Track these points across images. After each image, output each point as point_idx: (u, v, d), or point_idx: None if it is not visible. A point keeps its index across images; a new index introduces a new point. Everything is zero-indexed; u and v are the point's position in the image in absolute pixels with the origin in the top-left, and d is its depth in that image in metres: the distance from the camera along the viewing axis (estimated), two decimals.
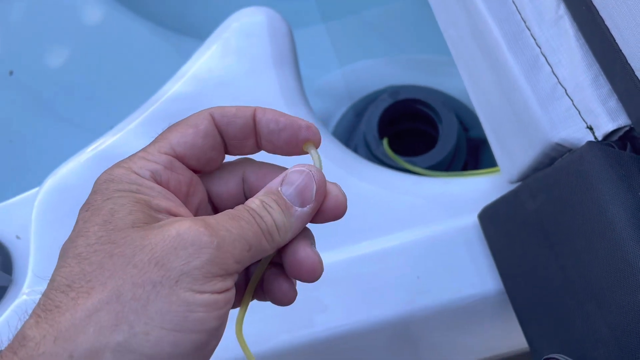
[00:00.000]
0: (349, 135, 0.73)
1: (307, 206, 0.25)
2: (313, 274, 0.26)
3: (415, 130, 0.71)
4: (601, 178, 0.31)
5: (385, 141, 0.60)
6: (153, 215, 0.23)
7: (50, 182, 0.46)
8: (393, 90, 0.66)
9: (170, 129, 0.26)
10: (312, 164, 0.26)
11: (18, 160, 0.85)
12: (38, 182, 0.51)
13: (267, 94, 0.49)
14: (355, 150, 0.69)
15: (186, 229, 0.21)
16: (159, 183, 0.24)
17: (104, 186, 0.23)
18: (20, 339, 0.20)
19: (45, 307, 0.21)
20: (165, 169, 0.25)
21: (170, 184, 0.25)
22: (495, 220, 0.40)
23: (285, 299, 0.27)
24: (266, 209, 0.24)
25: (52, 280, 0.22)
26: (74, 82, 0.91)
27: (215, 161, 0.27)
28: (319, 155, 0.26)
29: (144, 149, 0.25)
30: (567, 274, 0.34)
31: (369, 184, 0.45)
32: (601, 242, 0.32)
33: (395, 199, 0.44)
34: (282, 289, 0.27)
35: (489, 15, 0.40)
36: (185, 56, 0.96)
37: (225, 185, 0.28)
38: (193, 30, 0.95)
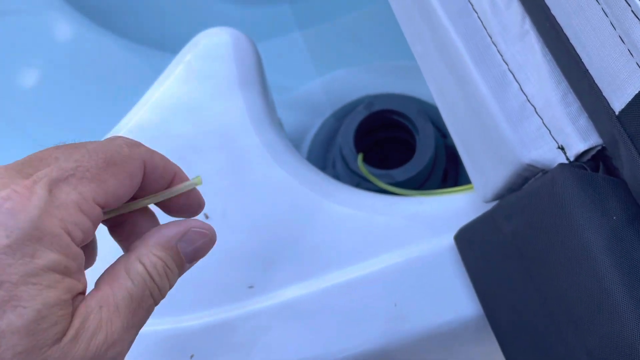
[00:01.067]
0: (327, 147, 0.72)
1: (194, 262, 0.25)
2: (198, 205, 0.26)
3: (394, 138, 0.70)
4: (574, 202, 0.30)
5: (359, 158, 0.59)
6: (69, 309, 0.19)
7: None
8: (368, 101, 0.65)
9: (109, 169, 0.22)
10: (210, 225, 0.25)
11: None
12: None
13: (234, 117, 0.47)
14: (333, 164, 0.68)
15: (101, 353, 0.20)
16: (83, 244, 0.21)
17: (29, 249, 0.17)
18: None
19: None
20: (93, 228, 0.21)
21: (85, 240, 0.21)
22: (472, 243, 0.39)
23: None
24: (167, 275, 0.23)
25: None
26: (47, 103, 0.90)
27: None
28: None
29: (78, 189, 0.20)
30: (545, 299, 0.33)
31: (341, 207, 0.44)
32: (578, 268, 0.30)
33: (369, 222, 0.43)
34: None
35: (453, 29, 0.38)
36: (161, 72, 0.94)
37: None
38: (169, 44, 0.93)
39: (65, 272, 0.19)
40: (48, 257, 0.18)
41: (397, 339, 0.39)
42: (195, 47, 0.50)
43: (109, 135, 0.49)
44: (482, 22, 0.37)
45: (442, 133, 0.69)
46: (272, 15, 0.97)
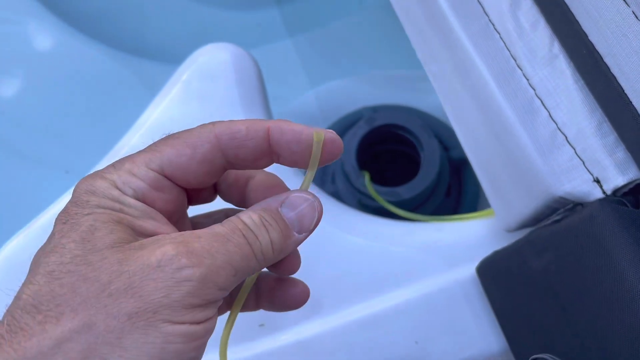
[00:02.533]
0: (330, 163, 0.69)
1: (303, 234, 0.24)
2: (294, 267, 0.26)
3: (394, 151, 0.68)
4: (616, 242, 0.28)
5: (367, 178, 0.57)
6: (135, 237, 0.21)
7: (0, 259, 0.41)
8: (369, 115, 0.63)
9: (166, 141, 0.24)
10: (315, 195, 0.24)
11: None
12: None
13: None
14: (333, 179, 0.66)
15: (168, 260, 0.20)
16: (143, 201, 0.23)
17: (85, 198, 0.22)
18: None
19: (9, 327, 0.19)
20: (151, 189, 0.23)
21: (155, 203, 0.23)
22: (496, 276, 0.37)
23: (297, 301, 0.27)
24: (265, 226, 0.23)
25: (18, 298, 0.20)
26: (28, 114, 0.86)
27: (208, 183, 0.25)
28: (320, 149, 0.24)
29: (131, 158, 0.23)
30: (582, 342, 0.31)
31: (354, 237, 0.42)
32: (619, 311, 0.29)
33: (384, 253, 0.41)
34: (292, 292, 0.27)
35: (474, 51, 0.36)
36: (146, 80, 0.91)
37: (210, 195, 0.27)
38: (155, 52, 0.90)
39: (115, 209, 0.22)
40: (98, 201, 0.22)
41: None
42: (193, 65, 0.47)
43: (103, 161, 0.46)
44: (505, 43, 0.35)
45: (444, 146, 0.68)
46: (259, 20, 0.94)
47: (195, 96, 0.46)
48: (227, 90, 0.46)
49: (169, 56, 0.74)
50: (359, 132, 0.61)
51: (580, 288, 0.31)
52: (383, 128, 0.62)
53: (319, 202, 0.24)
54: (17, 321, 0.19)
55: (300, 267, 0.32)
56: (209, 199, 0.27)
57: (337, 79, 0.82)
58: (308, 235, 0.24)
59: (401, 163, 0.67)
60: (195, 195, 0.27)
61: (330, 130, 0.24)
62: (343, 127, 0.70)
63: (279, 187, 0.26)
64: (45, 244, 0.21)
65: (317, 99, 0.81)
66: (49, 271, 0.20)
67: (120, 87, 0.87)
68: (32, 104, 0.86)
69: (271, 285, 0.27)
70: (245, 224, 0.22)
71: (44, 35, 0.90)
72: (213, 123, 0.24)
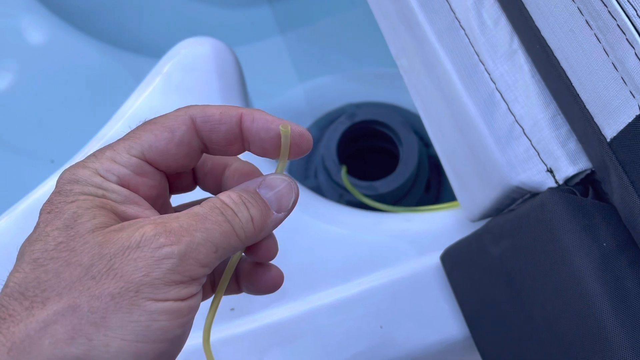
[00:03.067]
0: (309, 156, 0.71)
1: (282, 213, 0.25)
2: (272, 253, 0.26)
3: (377, 147, 0.69)
4: (564, 228, 0.30)
5: (343, 171, 0.58)
6: (118, 222, 0.22)
7: None
8: (351, 111, 0.64)
9: (144, 127, 0.25)
10: (291, 177, 0.26)
11: None
12: None
13: None
14: (315, 174, 0.67)
15: (146, 240, 0.21)
16: (127, 187, 0.23)
17: (68, 187, 0.22)
18: None
19: None
20: (134, 175, 0.24)
21: (138, 188, 0.24)
22: (458, 263, 0.38)
23: (272, 285, 0.27)
24: (245, 203, 0.23)
25: (6, 286, 0.21)
26: (20, 108, 0.87)
27: (188, 166, 0.26)
28: (288, 140, 0.25)
29: (112, 147, 0.24)
30: (534, 325, 0.33)
31: (326, 224, 0.43)
32: (568, 295, 0.30)
33: (355, 241, 0.42)
34: (267, 276, 0.27)
35: (440, 46, 0.37)
36: (140, 76, 0.92)
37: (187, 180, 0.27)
38: (147, 48, 0.91)
39: (99, 195, 0.22)
40: (81, 188, 0.22)
41: None
42: (174, 58, 0.49)
43: (85, 149, 0.47)
44: (469, 39, 0.36)
45: (425, 142, 0.69)
46: (252, 18, 0.95)
47: (175, 88, 0.47)
48: (207, 82, 0.47)
49: (161, 52, 0.75)
50: (340, 127, 0.63)
51: (533, 273, 0.32)
52: (364, 124, 0.63)
53: (296, 183, 0.25)
54: (6, 308, 0.20)
55: None
56: (189, 188, 0.28)
57: (326, 75, 0.84)
58: (286, 215, 0.25)
59: (384, 160, 0.68)
60: (176, 184, 0.27)
61: (299, 125, 0.25)
62: (327, 122, 0.72)
63: (254, 174, 0.27)
64: (31, 234, 0.22)
65: (305, 94, 0.82)
66: (34, 259, 0.21)
67: (112, 82, 0.88)
68: (24, 97, 0.87)
69: (248, 269, 0.27)
70: (223, 202, 0.23)
71: (37, 30, 0.91)
72: (188, 107, 0.25)
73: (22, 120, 0.85)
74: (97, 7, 0.94)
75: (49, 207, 0.22)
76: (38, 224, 0.22)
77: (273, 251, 0.26)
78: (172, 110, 0.48)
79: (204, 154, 0.26)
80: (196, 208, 0.23)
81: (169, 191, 0.27)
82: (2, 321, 0.20)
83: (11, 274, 0.21)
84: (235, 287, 0.28)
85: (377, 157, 0.70)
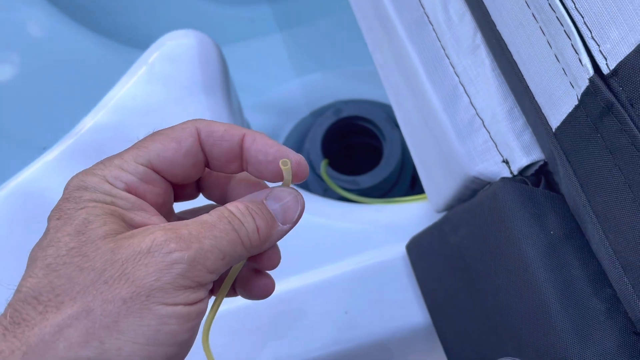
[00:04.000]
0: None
1: (287, 225, 0.25)
2: (276, 262, 0.27)
3: (363, 144, 0.70)
4: (514, 216, 0.31)
5: (323, 164, 0.59)
6: (127, 228, 0.22)
7: None
8: (337, 107, 0.65)
9: (152, 137, 0.25)
10: (299, 191, 0.26)
11: None
12: None
13: None
14: None
15: (157, 245, 0.21)
16: (134, 194, 0.24)
17: (77, 194, 0.23)
18: None
19: (12, 319, 0.20)
20: (141, 181, 0.24)
21: (146, 195, 0.24)
22: (422, 252, 0.39)
23: (264, 292, 0.28)
24: (251, 214, 0.24)
25: (18, 291, 0.21)
26: (18, 98, 0.89)
27: (193, 177, 0.26)
28: (290, 175, 0.26)
29: (120, 155, 0.24)
30: (488, 312, 0.34)
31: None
32: (517, 282, 0.31)
33: (325, 229, 0.43)
34: (261, 283, 0.28)
35: (408, 40, 0.38)
36: None
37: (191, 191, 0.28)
38: (144, 42, 0.92)
39: (107, 202, 0.23)
40: (90, 195, 0.23)
41: (347, 347, 0.39)
42: (160, 49, 0.50)
43: (69, 135, 0.49)
44: (436, 34, 0.37)
45: None
46: (252, 16, 0.96)
47: (159, 78, 0.49)
48: (190, 73, 0.49)
49: None
50: (325, 122, 0.64)
51: (486, 261, 0.33)
52: (349, 119, 0.64)
53: (302, 196, 0.26)
54: (19, 313, 0.21)
55: None
56: (193, 196, 0.28)
57: (320, 72, 0.85)
58: (292, 227, 0.26)
59: (372, 157, 0.70)
60: (180, 192, 0.28)
61: (297, 154, 0.26)
62: (314, 117, 0.73)
63: (260, 185, 0.27)
64: (40, 239, 0.22)
65: (299, 90, 0.84)
66: (47, 264, 0.21)
67: (111, 76, 0.90)
68: (24, 88, 0.89)
69: (244, 276, 0.28)
70: (231, 212, 0.24)
71: (40, 23, 0.92)
72: (195, 120, 0.26)
73: (22, 111, 0.87)
74: (97, 2, 0.96)
75: (58, 214, 0.23)
76: (48, 229, 0.22)
77: (276, 261, 0.27)
78: (155, 99, 0.49)
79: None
80: (205, 216, 0.23)
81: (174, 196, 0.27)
82: (16, 326, 0.20)
83: (23, 279, 0.21)
84: (231, 290, 0.28)
85: (364, 154, 0.72)
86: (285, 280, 0.41)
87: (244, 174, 0.27)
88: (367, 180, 0.60)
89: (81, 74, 0.90)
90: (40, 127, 0.85)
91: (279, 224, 0.25)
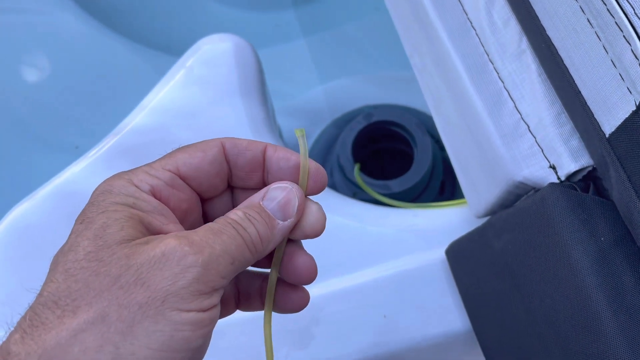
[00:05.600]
0: (325, 155, 0.72)
1: (289, 220, 0.26)
2: (310, 275, 0.27)
3: (393, 149, 0.70)
4: (563, 222, 0.30)
5: (356, 168, 0.59)
6: (144, 232, 0.23)
7: (7, 221, 0.45)
8: (367, 111, 0.65)
9: (178, 149, 0.26)
10: (293, 183, 0.26)
11: None
12: (4, 202, 0.49)
13: (233, 124, 0.48)
14: (331, 172, 0.68)
15: (171, 249, 0.22)
16: (159, 198, 0.25)
17: (101, 198, 0.24)
18: (4, 354, 0.21)
19: (31, 322, 0.21)
20: (167, 186, 0.25)
21: (170, 200, 0.25)
22: (462, 258, 0.39)
23: (298, 306, 0.28)
24: (249, 220, 0.24)
25: (40, 295, 0.22)
26: (50, 101, 0.90)
27: (218, 189, 0.27)
28: (305, 143, 0.27)
29: (148, 164, 0.26)
30: (533, 317, 0.33)
31: (335, 216, 0.44)
32: (565, 288, 0.31)
33: (363, 233, 0.43)
34: (293, 298, 0.28)
35: (451, 45, 0.39)
36: (163, 74, 0.94)
37: (220, 204, 0.28)
38: (171, 47, 0.93)
39: (129, 203, 0.24)
40: (113, 198, 0.24)
41: (385, 351, 0.39)
42: (197, 53, 0.51)
43: (109, 136, 0.49)
44: (480, 39, 0.37)
45: (440, 145, 0.70)
46: (277, 21, 0.97)
47: (197, 81, 0.49)
48: (227, 77, 0.49)
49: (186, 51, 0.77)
50: (356, 126, 0.64)
51: (532, 266, 0.33)
52: (380, 124, 0.64)
53: (298, 187, 0.26)
54: (39, 316, 0.21)
55: None
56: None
57: (345, 77, 0.85)
58: (295, 221, 0.26)
59: (400, 161, 0.70)
60: (210, 207, 0.28)
61: (314, 162, 0.27)
62: (344, 122, 0.73)
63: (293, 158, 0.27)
64: (64, 244, 0.23)
65: (325, 95, 0.84)
66: (66, 269, 0.22)
67: (140, 81, 0.91)
68: (55, 91, 0.90)
69: (278, 288, 0.28)
70: (232, 219, 0.24)
71: (70, 27, 0.94)
72: (219, 138, 0.27)
73: (53, 114, 0.89)
74: (126, 6, 0.97)
75: (81, 218, 0.23)
76: (71, 233, 0.23)
77: (308, 275, 0.27)
78: (193, 101, 0.50)
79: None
80: (211, 224, 0.24)
81: (203, 215, 0.28)
82: (34, 329, 0.21)
83: (45, 283, 0.22)
84: (259, 304, 0.29)
85: (392, 159, 0.72)
86: (322, 284, 0.41)
87: (280, 153, 0.28)
88: (398, 184, 0.60)
89: (109, 76, 0.91)
90: (70, 128, 0.86)
91: (279, 221, 0.25)
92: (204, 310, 0.22)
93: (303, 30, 0.97)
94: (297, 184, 0.27)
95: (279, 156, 0.27)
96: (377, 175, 0.62)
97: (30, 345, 0.20)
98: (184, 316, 0.21)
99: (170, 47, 0.93)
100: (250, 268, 0.28)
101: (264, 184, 0.28)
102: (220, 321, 0.25)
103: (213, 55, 0.50)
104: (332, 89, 0.85)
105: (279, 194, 0.26)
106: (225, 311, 0.29)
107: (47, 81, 0.91)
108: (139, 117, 0.48)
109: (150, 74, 0.92)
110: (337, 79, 0.87)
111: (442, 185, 0.68)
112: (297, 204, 0.26)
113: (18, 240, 0.44)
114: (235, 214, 0.25)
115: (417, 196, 0.64)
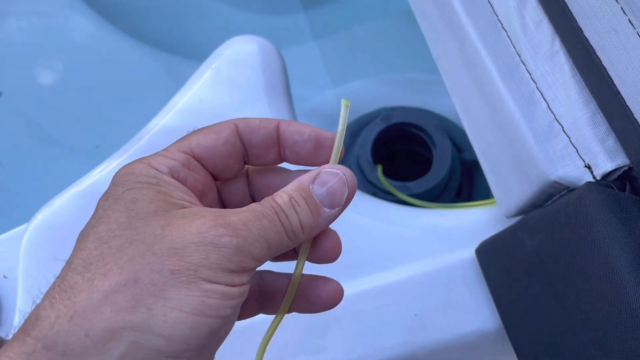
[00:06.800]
0: (343, 158, 0.72)
1: (336, 209, 0.25)
2: (335, 250, 0.27)
3: (410, 151, 0.71)
4: (601, 221, 0.31)
5: (379, 169, 0.59)
6: (174, 207, 0.23)
7: (38, 219, 0.45)
8: (385, 113, 0.66)
9: (192, 132, 0.27)
10: (346, 167, 0.26)
11: (8, 183, 0.84)
12: (27, 206, 0.50)
13: None
14: None
15: (207, 228, 0.22)
16: (176, 179, 0.25)
17: (124, 178, 0.24)
18: (33, 320, 0.21)
19: (60, 288, 0.21)
20: (183, 166, 0.25)
21: (187, 180, 0.25)
22: (493, 257, 0.39)
23: (333, 300, 0.28)
24: (294, 207, 0.24)
25: (69, 263, 0.22)
26: (64, 103, 0.91)
27: (232, 170, 0.27)
28: (346, 116, 0.26)
29: (164, 149, 0.26)
30: (568, 315, 0.34)
31: (363, 217, 0.45)
32: (603, 286, 0.31)
33: (390, 233, 0.44)
34: (325, 290, 0.28)
35: (482, 47, 0.39)
36: (175, 76, 0.95)
37: (235, 187, 0.29)
38: (184, 49, 0.94)
39: (153, 183, 0.24)
40: (136, 178, 0.24)
41: (416, 349, 0.40)
42: (223, 54, 0.51)
43: (136, 138, 0.50)
44: (511, 40, 0.38)
45: (458, 148, 0.70)
46: (286, 24, 0.98)
47: (223, 82, 0.50)
48: (253, 77, 0.50)
49: (197, 54, 0.78)
50: (375, 128, 0.64)
51: (568, 265, 0.33)
52: (398, 126, 0.65)
53: (351, 174, 0.26)
54: (68, 281, 0.21)
55: None
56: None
57: (358, 80, 0.86)
58: (342, 210, 0.26)
59: (417, 163, 0.70)
60: (226, 191, 0.28)
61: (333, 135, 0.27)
62: (361, 124, 0.73)
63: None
64: (89, 220, 0.23)
65: (338, 98, 0.84)
66: (98, 237, 0.22)
67: (152, 82, 0.92)
68: (69, 93, 0.91)
69: (304, 284, 0.28)
70: (277, 203, 0.24)
71: (84, 29, 0.94)
72: (232, 119, 0.27)
73: (66, 115, 0.89)
74: (137, 9, 0.98)
75: (106, 196, 0.24)
76: (96, 210, 0.23)
77: (334, 252, 0.27)
78: (220, 101, 0.50)
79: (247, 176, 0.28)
80: (255, 205, 0.24)
81: (219, 199, 0.28)
82: (63, 293, 0.21)
83: (74, 252, 0.22)
84: (303, 303, 0.28)
85: (408, 161, 0.72)
86: (353, 282, 0.42)
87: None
88: (417, 186, 0.61)
89: (121, 78, 0.92)
90: (88, 129, 0.87)
91: (326, 209, 0.25)
92: (233, 285, 0.22)
93: (313, 34, 0.97)
94: (319, 162, 0.26)
95: (292, 129, 0.26)
96: (391, 176, 0.62)
97: (60, 308, 0.20)
98: (214, 286, 0.22)
99: (181, 49, 0.94)
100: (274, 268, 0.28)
101: (280, 159, 0.28)
102: (238, 323, 0.25)
103: (239, 57, 0.51)
104: (345, 92, 0.86)
105: (330, 180, 0.25)
106: (246, 313, 0.28)
107: (59, 84, 0.92)
108: (167, 118, 0.49)
109: (161, 75, 0.93)
110: (350, 82, 0.88)
111: (460, 188, 0.69)
112: (346, 192, 0.25)
113: (48, 240, 0.45)
114: (281, 197, 0.24)
115: (435, 197, 0.65)
